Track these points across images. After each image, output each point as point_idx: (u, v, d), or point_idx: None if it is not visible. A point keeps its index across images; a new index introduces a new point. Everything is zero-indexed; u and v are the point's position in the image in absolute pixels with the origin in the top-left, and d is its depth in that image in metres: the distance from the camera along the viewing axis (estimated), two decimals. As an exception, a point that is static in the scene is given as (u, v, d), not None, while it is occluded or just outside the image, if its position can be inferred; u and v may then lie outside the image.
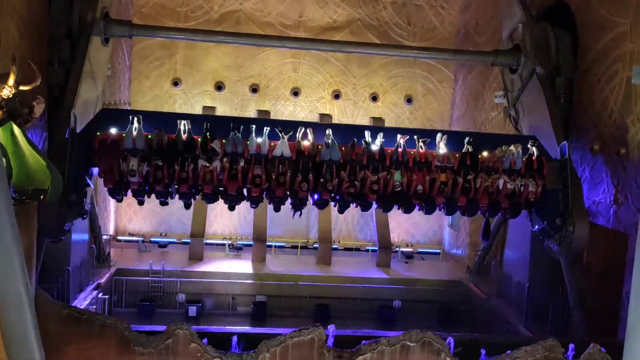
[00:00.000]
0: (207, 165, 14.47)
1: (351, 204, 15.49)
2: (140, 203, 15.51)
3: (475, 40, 23.19)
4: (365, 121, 25.96)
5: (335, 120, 25.58)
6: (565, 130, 16.20)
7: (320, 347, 11.08)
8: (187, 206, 15.86)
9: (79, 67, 14.87)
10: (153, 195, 15.12)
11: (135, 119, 14.48)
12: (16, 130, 9.34)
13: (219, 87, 25.20)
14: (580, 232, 14.30)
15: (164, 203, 15.42)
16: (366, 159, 14.97)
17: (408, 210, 15.51)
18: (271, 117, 25.16)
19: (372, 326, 20.00)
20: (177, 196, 15.16)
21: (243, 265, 21.95)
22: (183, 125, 14.67)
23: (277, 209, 15.65)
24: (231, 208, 15.76)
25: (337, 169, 14.89)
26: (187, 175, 14.44)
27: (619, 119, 14.39)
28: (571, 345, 11.74)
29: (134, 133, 14.40)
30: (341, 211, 15.96)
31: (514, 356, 11.32)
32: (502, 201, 15.23)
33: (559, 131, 15.53)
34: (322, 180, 14.78)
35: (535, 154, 15.27)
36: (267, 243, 22.88)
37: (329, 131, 14.97)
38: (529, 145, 15.32)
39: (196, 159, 14.55)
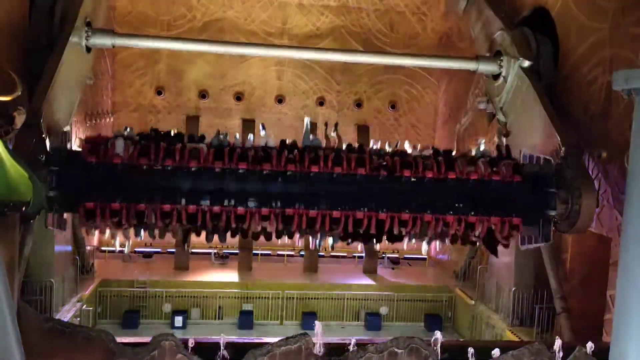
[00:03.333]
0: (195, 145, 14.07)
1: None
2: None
3: (457, 47, 23.38)
4: (349, 128, 26.05)
5: (319, 127, 25.62)
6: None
7: (307, 356, 11.02)
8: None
9: (50, 75, 14.24)
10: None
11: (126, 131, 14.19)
12: (-4, 141, 9.20)
13: (203, 95, 25.13)
14: (588, 197, 13.62)
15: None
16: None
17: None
18: (256, 125, 25.20)
19: (359, 333, 20.02)
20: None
21: (229, 274, 21.85)
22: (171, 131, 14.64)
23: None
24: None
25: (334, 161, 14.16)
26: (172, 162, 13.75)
27: (599, 124, 14.55)
28: (558, 348, 11.79)
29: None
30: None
31: (501, 361, 11.34)
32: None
33: (554, 117, 15.19)
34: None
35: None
36: (253, 251, 22.80)
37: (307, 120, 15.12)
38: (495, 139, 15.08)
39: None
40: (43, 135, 12.88)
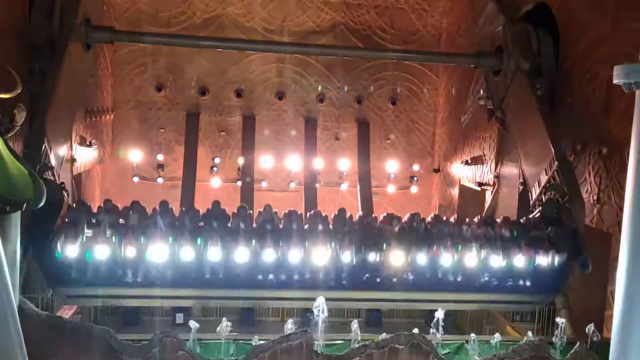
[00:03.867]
0: None
1: None
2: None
3: (458, 43, 23.34)
4: (349, 124, 26.08)
5: (320, 123, 25.70)
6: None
7: (309, 352, 11.04)
8: None
9: (54, 74, 14.37)
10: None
11: None
12: (-4, 139, 9.19)
13: (203, 92, 25.09)
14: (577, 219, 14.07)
15: None
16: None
17: None
18: (256, 122, 25.24)
19: (360, 329, 19.97)
20: None
21: (230, 271, 21.81)
22: None
23: None
24: None
25: None
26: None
27: (600, 120, 14.53)
28: (558, 344, 11.83)
29: None
30: None
31: (501, 356, 11.37)
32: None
33: (549, 126, 15.38)
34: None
35: None
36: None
37: None
38: None
39: None
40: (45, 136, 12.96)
